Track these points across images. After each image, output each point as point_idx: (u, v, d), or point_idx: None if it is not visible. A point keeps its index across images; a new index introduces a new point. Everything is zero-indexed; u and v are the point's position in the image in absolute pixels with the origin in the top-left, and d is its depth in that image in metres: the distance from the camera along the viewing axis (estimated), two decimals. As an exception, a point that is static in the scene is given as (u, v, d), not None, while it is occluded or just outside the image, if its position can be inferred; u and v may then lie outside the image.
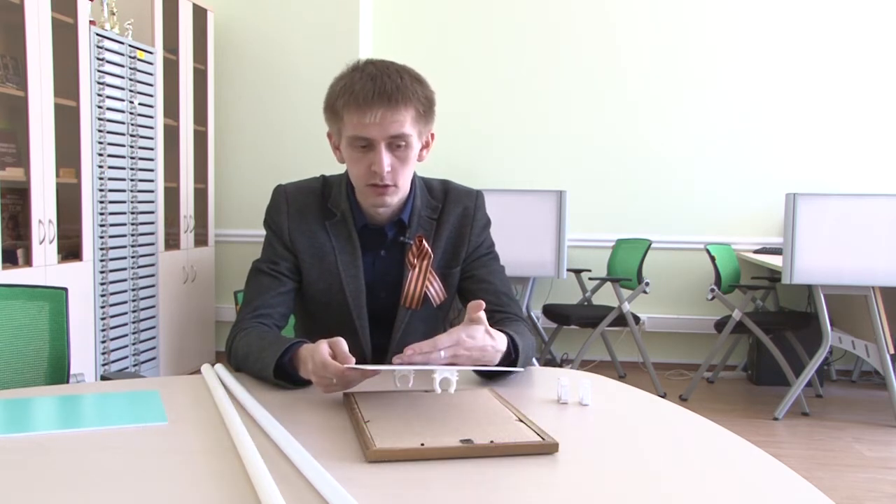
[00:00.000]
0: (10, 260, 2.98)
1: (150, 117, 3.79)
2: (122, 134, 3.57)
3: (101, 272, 3.44)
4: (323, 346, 1.14)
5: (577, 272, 4.57)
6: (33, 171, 3.02)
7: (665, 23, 4.63)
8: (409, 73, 1.39)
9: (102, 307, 3.46)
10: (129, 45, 3.61)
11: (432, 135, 1.47)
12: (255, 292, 1.47)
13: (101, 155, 3.42)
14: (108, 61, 3.44)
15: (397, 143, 1.38)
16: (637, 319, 4.17)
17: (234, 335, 1.42)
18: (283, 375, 1.25)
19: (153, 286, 3.87)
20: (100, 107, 3.40)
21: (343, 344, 1.15)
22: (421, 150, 1.45)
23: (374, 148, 1.37)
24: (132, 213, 3.67)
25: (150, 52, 3.79)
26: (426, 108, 1.40)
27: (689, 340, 4.72)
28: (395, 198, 1.44)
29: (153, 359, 3.87)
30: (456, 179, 1.61)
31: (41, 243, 3.06)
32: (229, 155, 4.69)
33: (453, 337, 1.14)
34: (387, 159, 1.37)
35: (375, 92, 1.33)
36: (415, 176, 1.52)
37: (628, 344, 4.60)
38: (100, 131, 3.40)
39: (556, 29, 4.70)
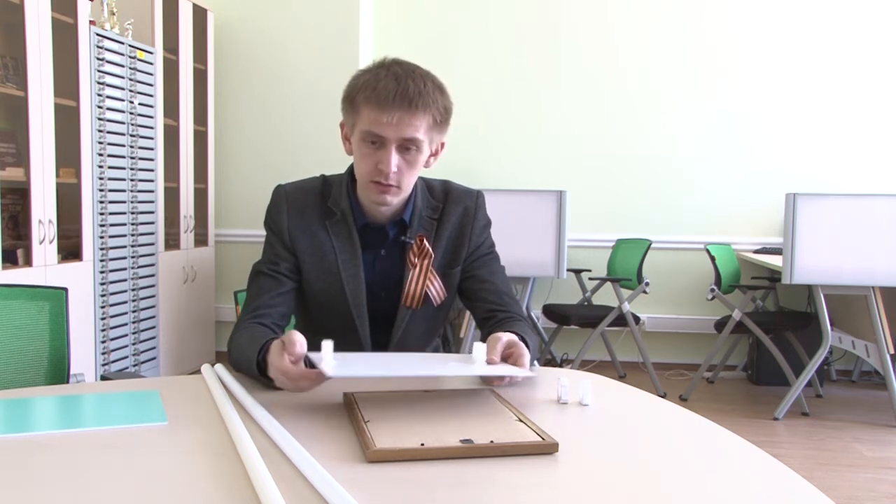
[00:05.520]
0: (10, 260, 2.98)
1: (150, 117, 3.79)
2: (122, 134, 3.57)
3: (101, 272, 3.44)
4: (278, 359, 1.14)
5: (577, 272, 4.57)
6: (33, 171, 3.02)
7: (665, 23, 4.63)
8: (432, 81, 1.40)
9: (102, 307, 3.46)
10: (129, 45, 3.61)
11: (443, 144, 1.47)
12: (254, 294, 1.48)
13: (101, 155, 3.42)
14: (108, 61, 3.44)
15: (407, 146, 1.38)
16: (637, 319, 4.17)
17: (230, 337, 1.42)
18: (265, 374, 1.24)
19: (153, 286, 3.86)
20: (100, 107, 3.39)
21: (296, 345, 1.12)
22: (429, 156, 1.45)
23: (384, 147, 1.37)
24: (132, 213, 3.67)
25: (150, 52, 3.79)
26: (442, 118, 1.41)
27: (689, 340, 4.72)
28: (397, 198, 1.44)
29: (153, 359, 3.87)
30: (456, 180, 1.61)
31: (41, 243, 3.06)
32: (229, 155, 4.69)
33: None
34: (395, 160, 1.37)
35: (397, 93, 1.33)
36: None
37: (628, 344, 4.60)
38: (100, 131, 3.40)
39: (555, 29, 4.70)
